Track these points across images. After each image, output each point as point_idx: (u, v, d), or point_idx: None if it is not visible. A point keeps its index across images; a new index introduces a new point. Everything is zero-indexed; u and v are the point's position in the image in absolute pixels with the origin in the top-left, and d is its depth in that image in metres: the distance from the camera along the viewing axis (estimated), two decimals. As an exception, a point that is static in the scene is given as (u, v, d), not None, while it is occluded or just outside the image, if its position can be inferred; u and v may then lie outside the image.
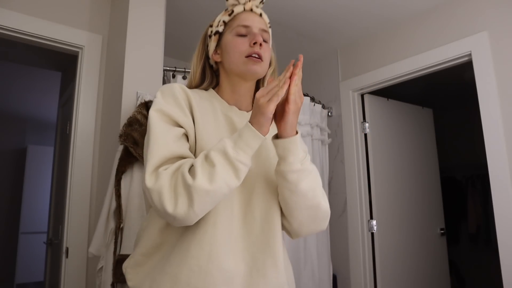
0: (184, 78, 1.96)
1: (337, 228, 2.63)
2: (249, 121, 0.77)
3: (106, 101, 1.93)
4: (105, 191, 1.55)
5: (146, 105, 1.61)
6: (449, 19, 2.14)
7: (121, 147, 1.51)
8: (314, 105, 2.58)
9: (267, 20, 0.99)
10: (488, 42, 1.94)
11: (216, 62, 0.98)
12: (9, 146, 4.98)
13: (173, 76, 1.96)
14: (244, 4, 0.95)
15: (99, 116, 1.95)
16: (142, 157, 1.47)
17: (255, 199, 0.85)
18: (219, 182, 0.72)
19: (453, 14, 2.12)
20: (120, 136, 1.50)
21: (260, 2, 0.97)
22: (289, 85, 0.76)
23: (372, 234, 2.48)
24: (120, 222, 1.43)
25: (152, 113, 0.80)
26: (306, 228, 0.89)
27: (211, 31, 0.97)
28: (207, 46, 0.98)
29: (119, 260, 1.39)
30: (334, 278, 2.52)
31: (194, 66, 0.99)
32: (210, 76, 0.99)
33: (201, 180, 0.71)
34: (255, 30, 0.92)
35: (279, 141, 0.81)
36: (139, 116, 1.54)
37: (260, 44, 0.89)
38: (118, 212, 1.44)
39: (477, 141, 2.28)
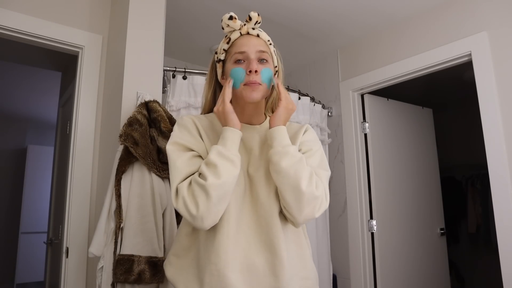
0: (184, 78, 1.96)
1: (337, 228, 2.63)
2: (222, 126, 0.95)
3: (106, 101, 1.93)
4: (105, 191, 1.55)
5: (146, 105, 1.61)
6: (449, 19, 2.14)
7: (121, 147, 1.51)
8: (314, 105, 2.58)
9: (266, 38, 1.02)
10: (488, 42, 1.94)
11: None
12: (9, 146, 4.98)
13: (173, 76, 1.96)
14: (240, 29, 0.99)
15: (99, 116, 1.95)
16: (142, 157, 1.48)
17: (259, 209, 0.96)
18: (225, 175, 0.86)
19: (453, 14, 2.12)
20: (120, 136, 1.50)
21: (256, 23, 1.00)
22: (278, 85, 0.98)
23: (372, 234, 2.48)
24: (120, 222, 1.43)
25: (168, 147, 0.95)
26: (295, 211, 0.91)
27: (217, 58, 1.05)
28: (216, 71, 1.07)
29: (119, 260, 1.39)
30: (334, 278, 2.52)
31: (205, 91, 1.10)
32: None
33: (211, 178, 0.85)
34: (252, 55, 0.97)
35: (267, 131, 0.97)
36: (139, 116, 1.54)
37: (256, 71, 0.95)
38: (118, 212, 1.44)
39: (477, 141, 2.28)
